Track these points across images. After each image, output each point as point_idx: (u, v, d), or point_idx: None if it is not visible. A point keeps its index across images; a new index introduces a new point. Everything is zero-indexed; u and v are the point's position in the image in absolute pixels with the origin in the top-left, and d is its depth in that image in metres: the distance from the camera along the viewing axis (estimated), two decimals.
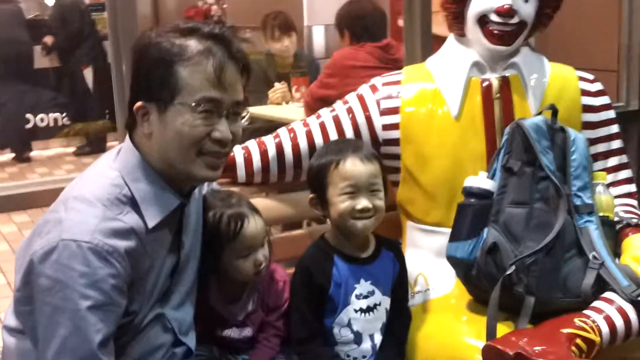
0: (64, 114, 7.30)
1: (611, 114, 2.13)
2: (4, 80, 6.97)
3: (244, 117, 1.61)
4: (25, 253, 1.47)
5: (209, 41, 1.52)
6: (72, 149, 7.48)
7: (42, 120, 7.24)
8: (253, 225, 1.75)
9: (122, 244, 1.46)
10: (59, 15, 7.22)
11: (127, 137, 1.59)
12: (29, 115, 7.20)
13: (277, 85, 4.14)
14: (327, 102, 2.43)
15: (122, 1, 2.23)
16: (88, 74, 7.25)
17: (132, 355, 1.56)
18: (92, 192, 1.50)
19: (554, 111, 1.95)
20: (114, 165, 1.56)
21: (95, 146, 7.20)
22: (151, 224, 1.52)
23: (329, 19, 4.89)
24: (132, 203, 1.52)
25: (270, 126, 3.15)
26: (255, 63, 4.42)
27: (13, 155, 7.28)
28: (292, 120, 2.32)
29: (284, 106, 4.05)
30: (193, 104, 1.49)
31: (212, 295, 1.79)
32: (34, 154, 7.35)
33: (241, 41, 1.58)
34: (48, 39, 7.23)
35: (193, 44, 1.51)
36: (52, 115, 7.28)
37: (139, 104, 1.53)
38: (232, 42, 1.55)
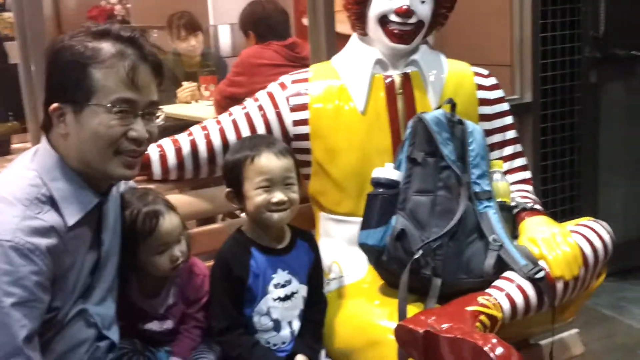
0: None
1: (505, 106, 2.26)
2: None
3: (159, 116, 1.66)
4: None
5: (121, 44, 1.57)
6: None
7: None
8: (168, 221, 1.80)
9: (43, 241, 1.49)
10: None
11: (44, 137, 1.62)
12: None
13: (185, 84, 4.17)
14: (236, 99, 2.48)
15: (28, 2, 2.23)
16: None
17: (57, 350, 1.60)
18: (11, 192, 1.53)
19: (453, 105, 2.06)
20: (31, 166, 1.59)
21: None
22: (71, 222, 1.56)
23: (234, 18, 4.95)
24: (51, 202, 1.55)
25: (180, 124, 3.17)
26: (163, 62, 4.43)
27: None
28: (202, 118, 2.37)
29: (193, 104, 4.09)
30: (108, 104, 1.54)
31: (133, 290, 1.84)
32: None
33: (152, 45, 1.64)
34: None
35: (106, 47, 1.56)
36: None
37: (54, 105, 1.56)
38: (144, 45, 1.60)
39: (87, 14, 6.19)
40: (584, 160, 3.73)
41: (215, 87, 3.88)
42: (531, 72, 3.46)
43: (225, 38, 5.10)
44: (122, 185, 1.86)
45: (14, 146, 6.93)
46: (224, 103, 3.46)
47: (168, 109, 3.98)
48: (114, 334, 1.75)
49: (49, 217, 1.53)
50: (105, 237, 1.69)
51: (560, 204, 3.67)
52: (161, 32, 4.66)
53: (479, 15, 3.59)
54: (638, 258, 3.94)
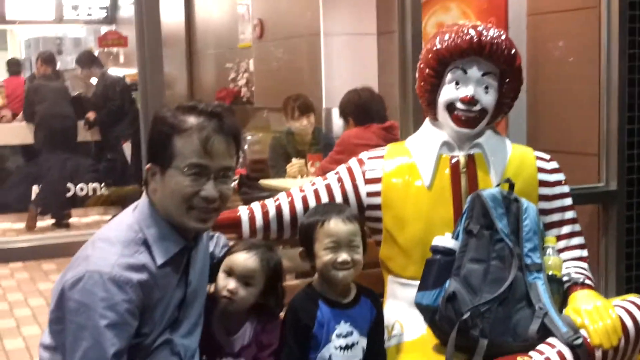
0: (102, 184, 7.70)
1: (565, 188, 2.45)
2: (49, 151, 7.37)
3: (232, 179, 1.98)
4: (59, 283, 1.84)
5: (202, 117, 1.87)
6: (108, 217, 7.84)
7: (81, 189, 7.57)
8: (246, 256, 2.07)
9: (136, 276, 1.82)
10: (102, 92, 7.61)
11: (144, 191, 1.96)
12: (69, 184, 7.56)
13: (294, 160, 4.51)
14: None
15: (152, 84, 2.60)
16: (127, 147, 7.69)
17: None
18: (114, 235, 1.88)
19: (511, 184, 2.27)
20: (133, 214, 1.94)
21: None
22: (159, 261, 1.87)
23: None
24: (146, 245, 1.88)
25: None
26: (276, 140, 4.83)
27: (53, 220, 7.63)
28: None
29: (300, 179, 4.41)
30: (184, 168, 1.85)
31: (215, 325, 2.10)
32: (72, 220, 7.69)
33: (234, 117, 1.95)
34: (91, 114, 7.62)
35: (190, 120, 1.86)
36: (91, 185, 7.61)
37: (148, 165, 1.91)
38: (223, 117, 1.90)
39: (217, 94, 6.69)
40: None
41: (319, 164, 4.20)
42: (617, 161, 3.58)
43: (337, 119, 5.46)
44: (223, 239, 2.19)
45: None
46: None
47: (277, 183, 4.35)
48: None
49: (143, 257, 1.86)
50: (192, 278, 1.99)
51: None
52: (277, 112, 5.04)
53: (570, 106, 3.76)
54: None
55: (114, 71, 8.41)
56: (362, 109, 3.99)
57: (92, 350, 1.76)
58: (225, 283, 2.06)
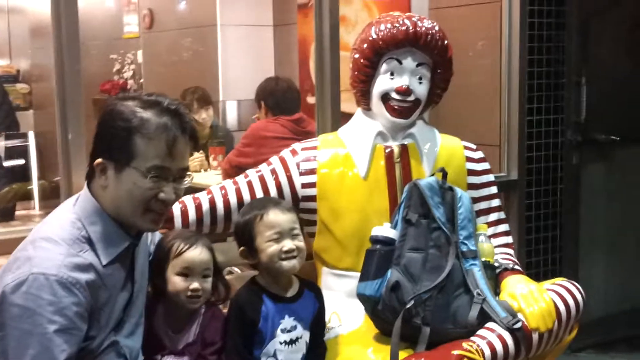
0: None
1: (491, 177, 2.52)
2: None
3: (187, 180, 1.90)
4: None
5: (166, 115, 1.78)
6: None
7: None
8: (198, 252, 2.01)
9: (84, 276, 1.72)
10: None
11: (85, 186, 1.86)
12: None
13: (195, 154, 4.41)
14: (243, 169, 2.69)
15: (69, 75, 2.48)
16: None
17: None
18: (56, 233, 1.76)
19: (444, 174, 2.31)
20: (73, 210, 1.82)
21: (3, 213, 7.14)
22: (105, 261, 1.78)
23: (241, 95, 5.28)
24: (90, 243, 1.78)
25: (189, 190, 3.41)
26: None
27: None
28: (209, 185, 2.58)
29: (202, 173, 4.31)
30: (145, 170, 1.76)
31: (159, 322, 2.03)
32: None
33: (190, 115, 1.88)
34: None
35: (153, 119, 1.76)
36: None
37: (98, 160, 1.79)
38: (184, 116, 1.83)
39: (101, 86, 6.45)
40: (566, 236, 3.94)
41: (225, 157, 4.13)
42: (517, 152, 3.73)
43: (232, 112, 5.40)
44: (158, 235, 2.10)
45: (18, 212, 7.10)
46: (232, 172, 3.69)
47: None
48: None
49: (88, 256, 1.76)
50: (137, 276, 1.91)
51: (543, 277, 3.87)
52: None
53: (471, 99, 3.87)
54: (617, 331, 4.12)
55: None
56: (279, 98, 3.95)
57: (39, 357, 1.65)
58: (186, 284, 1.99)
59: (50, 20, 2.48)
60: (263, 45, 5.41)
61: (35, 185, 7.17)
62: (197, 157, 4.39)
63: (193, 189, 2.69)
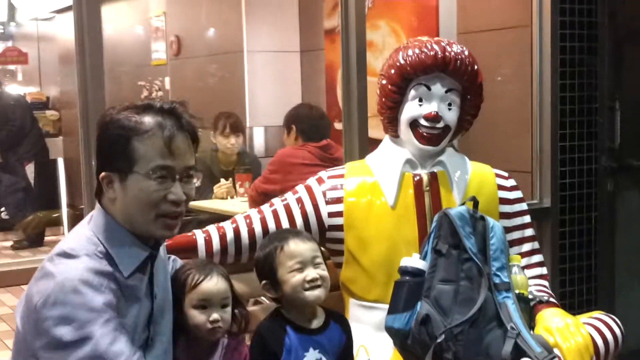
0: (2, 208, 7.32)
1: (524, 206, 2.45)
2: None
3: (196, 179, 1.84)
4: (26, 316, 1.66)
5: (160, 116, 1.74)
6: (9, 243, 7.48)
7: None
8: (214, 282, 1.94)
9: (107, 282, 1.67)
10: (1, 112, 7.26)
11: (97, 203, 1.82)
12: None
13: (222, 181, 4.39)
14: (270, 196, 2.66)
15: (93, 100, 2.46)
16: (29, 169, 7.35)
17: None
18: (72, 248, 1.71)
19: (475, 202, 2.25)
20: (88, 227, 1.78)
21: (32, 240, 7.21)
22: (126, 273, 1.73)
23: (268, 121, 5.26)
24: (108, 257, 1.72)
25: (216, 218, 3.39)
26: (200, 160, 4.69)
27: None
28: (236, 213, 2.54)
29: (229, 200, 4.29)
30: (149, 172, 1.72)
31: (180, 355, 1.96)
32: None
33: (190, 115, 1.81)
34: None
35: (147, 120, 1.73)
36: None
37: (103, 174, 1.76)
38: (182, 115, 1.78)
39: None
40: (601, 265, 3.83)
41: (251, 184, 4.09)
42: (550, 179, 3.64)
43: (259, 139, 5.38)
44: (179, 262, 2.05)
45: (47, 238, 7.13)
46: (259, 199, 3.67)
47: (204, 204, 4.22)
48: None
49: (108, 268, 1.70)
50: (157, 290, 1.85)
51: (577, 307, 3.77)
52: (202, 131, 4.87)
53: (502, 124, 3.80)
54: None
55: (13, 89, 8.04)
56: (313, 124, 3.93)
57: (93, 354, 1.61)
58: (205, 317, 1.93)
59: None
60: (290, 71, 5.40)
61: (64, 211, 7.26)
62: (224, 184, 4.36)
63: (220, 218, 2.66)
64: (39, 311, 1.63)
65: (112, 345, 1.62)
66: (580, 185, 3.76)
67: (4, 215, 7.34)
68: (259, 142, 5.36)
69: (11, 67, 8.52)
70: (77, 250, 1.71)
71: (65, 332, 1.61)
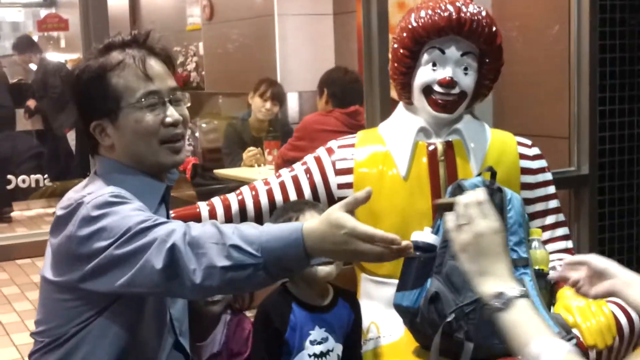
0: (45, 175, 7.38)
1: (548, 176, 2.31)
2: None
3: (185, 100, 1.77)
4: (60, 243, 1.60)
5: (126, 48, 1.69)
6: (52, 210, 7.55)
7: (23, 181, 7.30)
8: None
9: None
10: (42, 79, 7.27)
11: (93, 163, 1.76)
12: (10, 176, 7.27)
13: (251, 148, 4.32)
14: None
15: None
16: (71, 136, 7.38)
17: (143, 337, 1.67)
18: (90, 192, 1.63)
19: (493, 173, 2.12)
20: (94, 179, 1.70)
21: None
22: (152, 209, 1.65)
23: (301, 86, 5.15)
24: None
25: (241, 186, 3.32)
26: (231, 127, 4.63)
27: None
28: None
29: (256, 168, 4.23)
30: (138, 101, 1.66)
31: None
32: (15, 214, 7.36)
33: (157, 40, 1.74)
34: (31, 102, 7.30)
35: (114, 55, 1.68)
36: (33, 177, 7.31)
37: (93, 124, 1.68)
38: (148, 41, 1.72)
39: None
40: None
41: (278, 151, 4.01)
42: (588, 145, 3.47)
43: (293, 105, 5.28)
44: None
45: None
46: (284, 166, 3.56)
47: (233, 172, 4.16)
48: (186, 343, 1.80)
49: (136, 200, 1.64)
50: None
51: None
52: (228, 98, 4.82)
53: (538, 88, 3.64)
54: None
55: (55, 56, 8.06)
56: (345, 88, 3.83)
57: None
58: None
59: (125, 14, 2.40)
60: (322, 34, 5.27)
61: None
62: (253, 151, 4.29)
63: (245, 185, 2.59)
64: (72, 237, 1.57)
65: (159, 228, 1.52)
66: (620, 151, 3.59)
67: (47, 182, 7.38)
68: (292, 107, 5.26)
69: (54, 34, 8.54)
70: (97, 192, 1.63)
71: (104, 242, 1.53)
